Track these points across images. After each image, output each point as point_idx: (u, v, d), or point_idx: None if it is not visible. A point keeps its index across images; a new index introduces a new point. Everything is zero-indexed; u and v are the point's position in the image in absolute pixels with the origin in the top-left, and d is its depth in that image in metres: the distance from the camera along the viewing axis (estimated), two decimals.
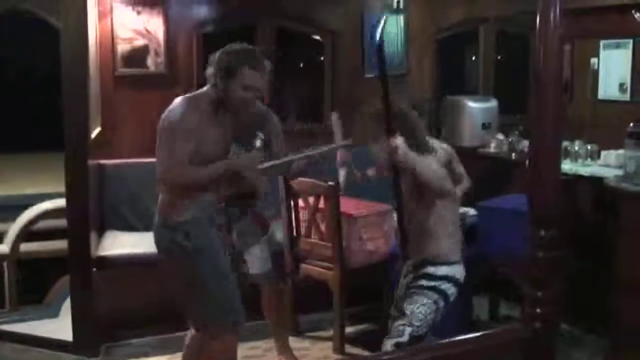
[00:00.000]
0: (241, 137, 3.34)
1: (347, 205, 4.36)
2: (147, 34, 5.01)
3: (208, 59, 3.28)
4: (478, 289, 4.72)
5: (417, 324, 3.16)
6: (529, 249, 2.58)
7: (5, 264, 5.13)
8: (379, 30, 2.93)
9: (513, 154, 5.49)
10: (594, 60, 5.75)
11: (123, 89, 4.99)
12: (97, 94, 4.79)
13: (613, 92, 5.63)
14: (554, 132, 2.53)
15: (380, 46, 2.91)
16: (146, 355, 4.29)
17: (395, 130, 2.98)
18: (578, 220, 4.51)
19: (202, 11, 5.28)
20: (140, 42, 5.01)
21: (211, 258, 3.23)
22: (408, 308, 3.19)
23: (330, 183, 4.13)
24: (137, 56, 5.02)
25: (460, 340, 2.68)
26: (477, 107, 5.93)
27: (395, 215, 3.36)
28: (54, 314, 4.79)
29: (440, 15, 6.06)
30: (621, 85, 5.56)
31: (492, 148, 5.71)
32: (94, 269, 4.24)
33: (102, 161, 4.85)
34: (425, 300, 3.19)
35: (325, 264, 4.34)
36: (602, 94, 5.73)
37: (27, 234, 5.26)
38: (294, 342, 4.44)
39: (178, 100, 3.18)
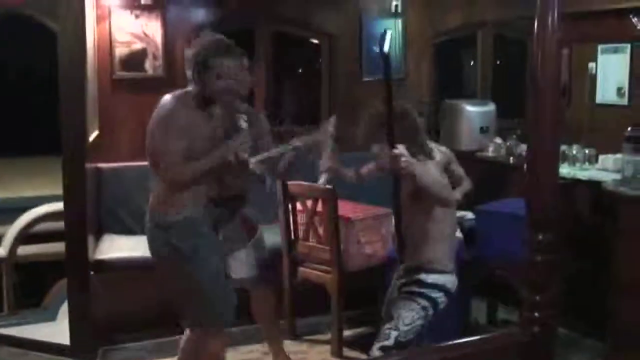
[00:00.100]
0: (232, 137, 3.36)
1: (345, 208, 4.36)
2: (145, 37, 5.01)
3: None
4: (476, 293, 4.72)
5: (404, 328, 3.15)
6: (527, 253, 2.58)
7: (2, 267, 5.11)
8: (386, 42, 2.93)
9: (511, 158, 5.49)
10: (591, 64, 5.76)
11: (121, 93, 4.99)
12: (95, 97, 4.78)
13: (611, 96, 5.64)
14: (551, 136, 2.53)
15: (387, 57, 2.93)
16: (143, 358, 4.28)
17: (396, 136, 2.98)
18: (576, 224, 4.52)
19: (200, 15, 5.28)
20: (138, 45, 5.01)
21: (205, 258, 3.22)
22: (396, 312, 3.20)
23: (327, 186, 4.13)
24: (135, 60, 5.02)
25: (459, 343, 2.68)
26: (475, 111, 5.94)
27: (393, 219, 3.36)
28: (52, 317, 4.78)
29: (438, 19, 6.06)
30: (619, 89, 5.57)
31: (490, 152, 5.72)
32: (92, 273, 4.23)
33: (100, 164, 4.85)
34: (414, 306, 3.19)
35: (323, 267, 4.34)
36: (599, 98, 5.74)
37: (25, 237, 5.25)
38: (291, 345, 4.44)
39: (166, 98, 3.20)
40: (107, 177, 4.88)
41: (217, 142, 3.23)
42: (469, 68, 7.37)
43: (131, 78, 4.99)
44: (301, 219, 4.45)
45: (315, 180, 4.19)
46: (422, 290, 3.20)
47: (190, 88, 3.26)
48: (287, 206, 4.47)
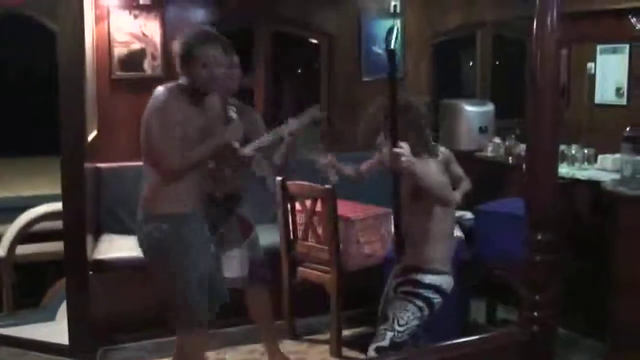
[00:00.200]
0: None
1: (344, 208, 4.35)
2: (143, 37, 5.01)
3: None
4: (475, 293, 4.73)
5: (399, 329, 3.15)
6: (526, 253, 2.58)
7: (1, 267, 5.11)
8: (392, 39, 2.94)
9: (510, 158, 5.49)
10: (590, 64, 5.77)
11: (120, 93, 4.99)
12: (94, 97, 4.78)
13: (610, 96, 5.65)
14: (551, 136, 2.53)
15: (392, 53, 2.93)
16: (143, 358, 4.28)
17: (400, 130, 2.98)
18: (575, 224, 4.52)
19: (199, 15, 5.28)
20: (137, 45, 5.01)
21: (186, 255, 3.22)
22: (392, 313, 3.19)
23: (327, 186, 4.13)
24: (133, 60, 5.02)
25: (458, 343, 2.68)
26: (474, 111, 5.94)
27: (392, 218, 3.36)
28: (51, 317, 4.77)
29: (437, 19, 6.06)
30: (618, 89, 5.58)
31: (489, 152, 5.72)
32: (91, 272, 4.23)
33: (99, 164, 4.85)
34: (409, 307, 3.18)
35: (322, 267, 4.34)
36: (598, 98, 5.75)
37: (24, 236, 5.25)
38: (291, 345, 4.45)
39: (159, 89, 3.22)
40: (106, 177, 4.87)
41: (208, 134, 3.25)
42: (467, 68, 7.38)
43: (130, 78, 4.99)
44: (300, 218, 4.45)
45: (315, 180, 4.22)
46: (419, 290, 3.19)
47: (180, 81, 3.29)
48: (286, 206, 4.47)
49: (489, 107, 6.04)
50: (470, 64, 6.94)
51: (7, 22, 6.19)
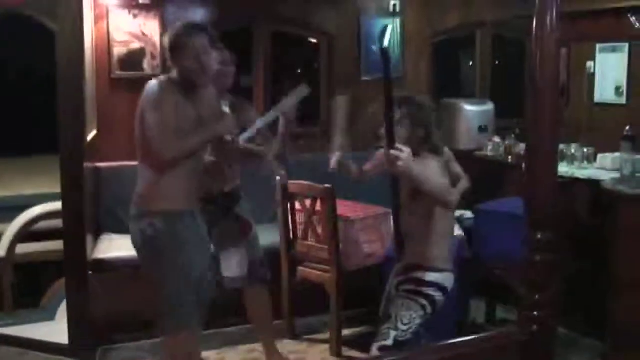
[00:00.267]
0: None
1: (344, 207, 4.36)
2: (143, 37, 5.01)
3: None
4: (475, 292, 4.73)
5: (403, 328, 3.14)
6: (525, 252, 2.59)
7: (1, 267, 5.11)
8: (386, 37, 2.93)
9: (509, 157, 5.49)
10: (590, 63, 5.76)
11: (119, 92, 4.98)
12: (94, 96, 4.78)
13: (609, 95, 5.65)
14: (550, 136, 2.54)
15: (386, 52, 2.93)
16: (142, 358, 4.28)
17: (407, 127, 2.97)
18: (575, 223, 4.52)
19: (198, 14, 5.27)
20: (136, 45, 5.01)
21: (176, 254, 3.21)
22: (394, 312, 3.18)
23: (327, 185, 4.13)
24: (133, 59, 5.02)
25: (458, 343, 2.68)
26: (473, 110, 5.94)
27: (392, 217, 3.35)
28: (50, 317, 4.77)
29: (437, 19, 6.06)
30: (617, 88, 5.58)
31: (489, 151, 5.72)
32: (90, 272, 4.23)
33: (99, 164, 4.85)
34: (412, 305, 3.17)
35: (322, 266, 4.34)
36: (598, 97, 5.74)
37: (24, 236, 5.25)
38: (291, 345, 4.45)
39: (152, 82, 3.22)
40: (106, 177, 4.87)
41: (200, 127, 3.25)
42: (467, 68, 7.37)
43: (129, 77, 4.99)
44: (300, 218, 4.45)
45: (316, 180, 4.22)
46: (421, 288, 3.19)
47: (171, 75, 3.30)
48: (286, 205, 4.47)
49: (489, 107, 6.05)
50: (470, 63, 6.94)
51: (6, 22, 6.18)
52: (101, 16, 4.91)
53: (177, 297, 3.23)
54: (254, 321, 4.11)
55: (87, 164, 4.20)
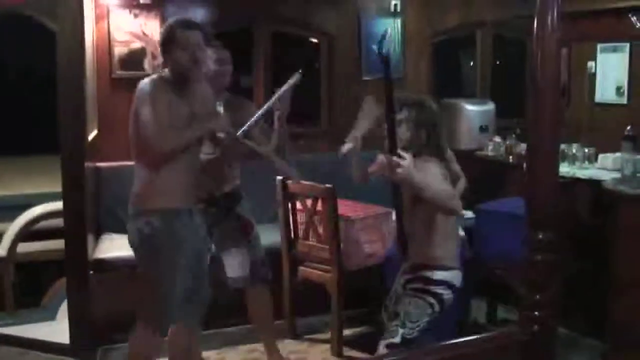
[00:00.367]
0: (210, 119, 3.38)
1: (345, 207, 4.36)
2: (144, 36, 5.01)
3: None
4: (476, 292, 4.72)
5: (411, 325, 3.14)
6: (526, 252, 2.58)
7: (2, 267, 5.11)
8: (385, 43, 2.93)
9: (510, 157, 5.49)
10: (591, 63, 5.76)
11: (120, 92, 4.97)
12: (94, 96, 4.78)
13: (610, 95, 5.65)
14: (551, 135, 2.54)
15: (386, 58, 2.92)
16: None
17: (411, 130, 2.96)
18: (575, 223, 4.52)
19: (198, 14, 5.26)
20: (137, 44, 5.01)
21: (170, 252, 3.21)
22: (403, 309, 3.18)
23: (327, 185, 4.13)
24: (134, 59, 5.02)
25: (459, 343, 2.68)
26: (474, 110, 5.94)
27: (394, 218, 3.35)
28: (51, 316, 4.77)
29: (437, 19, 6.06)
30: (618, 88, 5.58)
31: (490, 151, 5.72)
32: (91, 272, 4.23)
33: (99, 164, 4.85)
34: (420, 303, 3.18)
35: (323, 266, 4.34)
36: (599, 97, 5.74)
37: (25, 235, 5.25)
38: (291, 345, 4.45)
39: (144, 81, 3.23)
40: (107, 176, 4.87)
41: (193, 122, 3.25)
42: (467, 67, 7.37)
43: (130, 77, 4.95)
44: (301, 218, 4.45)
45: (317, 179, 4.22)
46: (429, 287, 3.19)
47: (162, 73, 3.30)
48: (287, 205, 4.47)
49: (490, 106, 6.04)
50: (471, 63, 6.94)
51: (7, 22, 6.19)
52: (102, 16, 4.91)
53: (172, 296, 3.23)
54: (255, 321, 4.11)
55: (87, 164, 4.21)
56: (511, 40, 6.83)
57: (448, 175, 3.20)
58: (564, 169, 4.85)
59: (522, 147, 5.25)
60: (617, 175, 4.49)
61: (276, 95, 3.63)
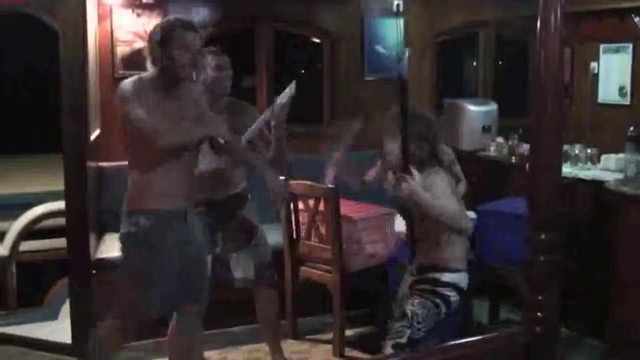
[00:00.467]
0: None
1: (347, 207, 4.35)
2: (146, 36, 4.99)
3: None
4: (478, 293, 4.71)
5: (417, 326, 3.16)
6: (529, 253, 2.58)
7: (4, 266, 5.11)
8: (404, 65, 2.91)
9: (513, 158, 5.48)
10: (593, 64, 5.75)
11: None
12: (97, 96, 4.78)
13: (613, 96, 5.63)
14: (554, 136, 2.53)
15: (405, 83, 2.93)
16: (143, 358, 4.28)
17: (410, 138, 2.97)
18: (578, 224, 4.51)
19: (201, 14, 5.27)
20: (139, 44, 5.00)
21: (160, 251, 3.22)
22: (409, 310, 3.19)
23: (330, 186, 4.13)
24: (136, 58, 4.98)
25: (461, 343, 2.68)
26: (477, 110, 5.93)
27: (396, 218, 3.35)
28: (53, 316, 4.78)
29: (440, 19, 6.06)
30: (621, 89, 5.56)
31: (492, 151, 5.71)
32: (93, 272, 4.23)
33: (102, 163, 4.85)
34: (427, 304, 3.19)
35: (325, 266, 4.34)
36: (601, 97, 5.73)
37: (27, 234, 5.25)
38: (293, 345, 4.45)
39: (126, 81, 3.24)
40: (109, 176, 4.87)
41: (182, 122, 3.23)
42: (470, 68, 7.36)
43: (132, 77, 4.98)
44: (303, 218, 4.45)
45: (318, 180, 4.22)
46: (436, 288, 3.20)
47: (151, 71, 3.29)
48: (289, 205, 4.47)
49: (492, 107, 6.03)
50: (473, 63, 6.93)
51: (8, 21, 6.19)
52: (104, 15, 4.91)
53: (147, 296, 3.25)
54: (262, 321, 4.10)
55: (90, 163, 4.21)
56: (514, 41, 6.83)
57: (454, 183, 3.21)
58: (567, 169, 4.84)
59: (525, 148, 5.25)
60: (620, 176, 4.49)
61: (271, 107, 3.63)
